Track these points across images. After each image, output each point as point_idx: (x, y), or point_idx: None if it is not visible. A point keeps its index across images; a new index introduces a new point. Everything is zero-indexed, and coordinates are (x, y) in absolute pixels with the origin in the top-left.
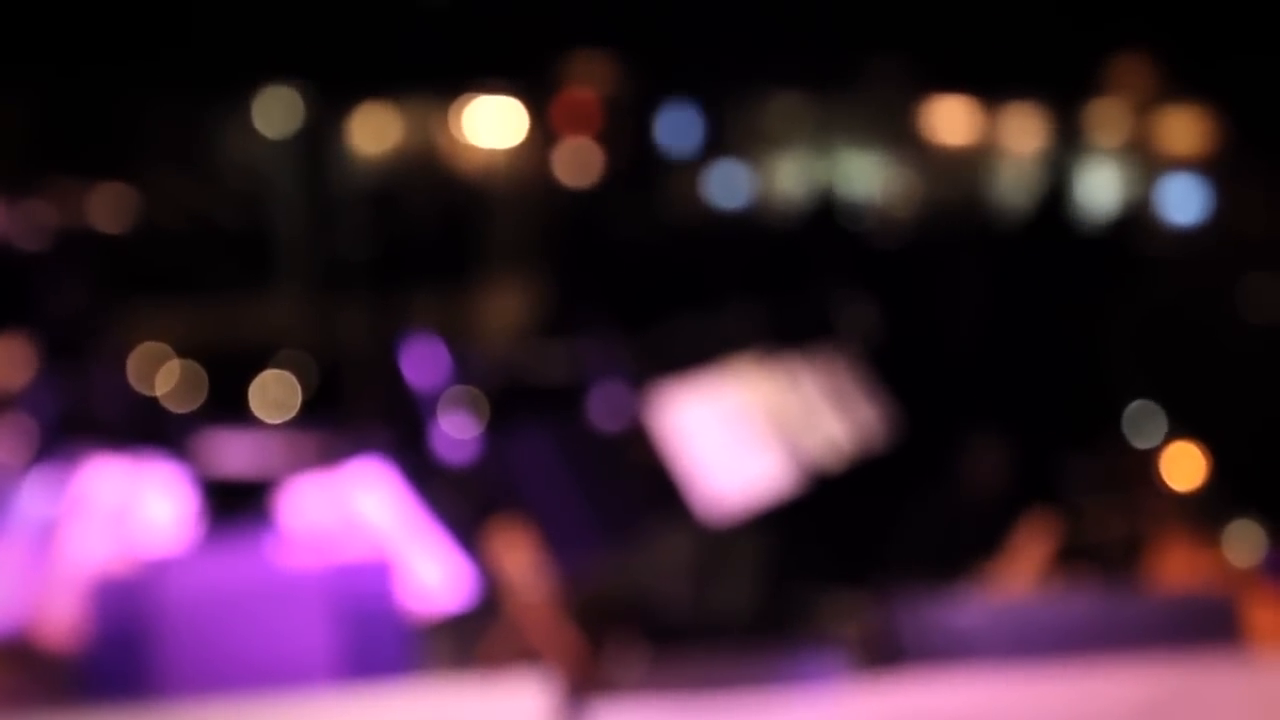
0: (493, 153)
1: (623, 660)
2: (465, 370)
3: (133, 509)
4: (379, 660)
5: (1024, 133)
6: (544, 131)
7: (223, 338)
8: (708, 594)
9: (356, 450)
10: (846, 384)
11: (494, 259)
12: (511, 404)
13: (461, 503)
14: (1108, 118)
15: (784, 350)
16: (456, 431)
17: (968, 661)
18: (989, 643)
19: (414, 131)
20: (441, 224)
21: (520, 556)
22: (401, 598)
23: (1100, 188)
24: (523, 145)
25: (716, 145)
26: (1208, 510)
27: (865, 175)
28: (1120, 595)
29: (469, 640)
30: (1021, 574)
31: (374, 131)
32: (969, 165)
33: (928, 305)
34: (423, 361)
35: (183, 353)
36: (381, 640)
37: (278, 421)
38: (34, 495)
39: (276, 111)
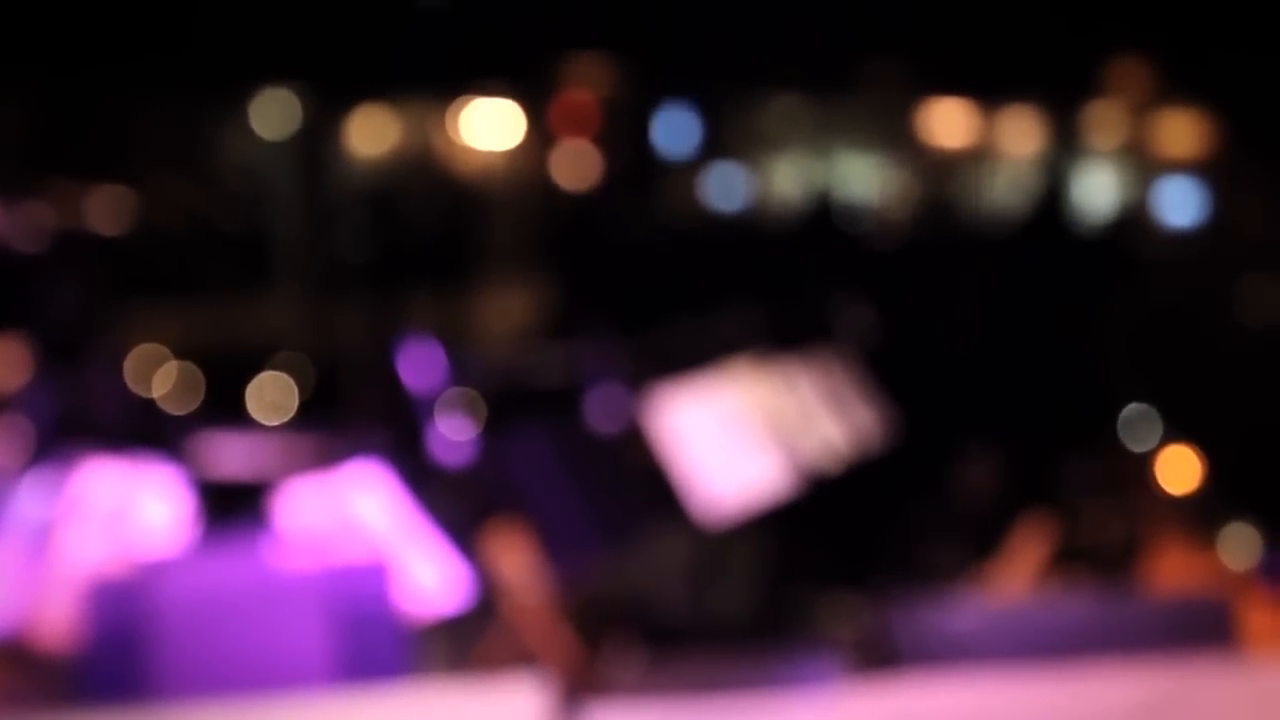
0: (490, 155)
1: (619, 662)
2: (463, 372)
3: (129, 511)
4: (375, 662)
5: (1021, 135)
6: (542, 133)
7: (220, 339)
8: (704, 596)
9: (354, 452)
10: (844, 387)
11: (492, 261)
12: (509, 406)
13: (458, 505)
14: (1105, 120)
15: (781, 353)
16: (454, 433)
17: (964, 664)
18: (985, 645)
19: (412, 133)
20: (439, 226)
21: (517, 559)
22: (398, 600)
23: (1097, 190)
24: (520, 147)
25: (714, 147)
26: (1203, 513)
27: (863, 177)
28: (1116, 598)
29: (465, 642)
30: (1018, 576)
31: (372, 133)
32: (966, 167)
33: (925, 307)
34: (420, 363)
35: (180, 354)
36: (378, 642)
37: (275, 423)
38: (31, 497)
39: (274, 113)
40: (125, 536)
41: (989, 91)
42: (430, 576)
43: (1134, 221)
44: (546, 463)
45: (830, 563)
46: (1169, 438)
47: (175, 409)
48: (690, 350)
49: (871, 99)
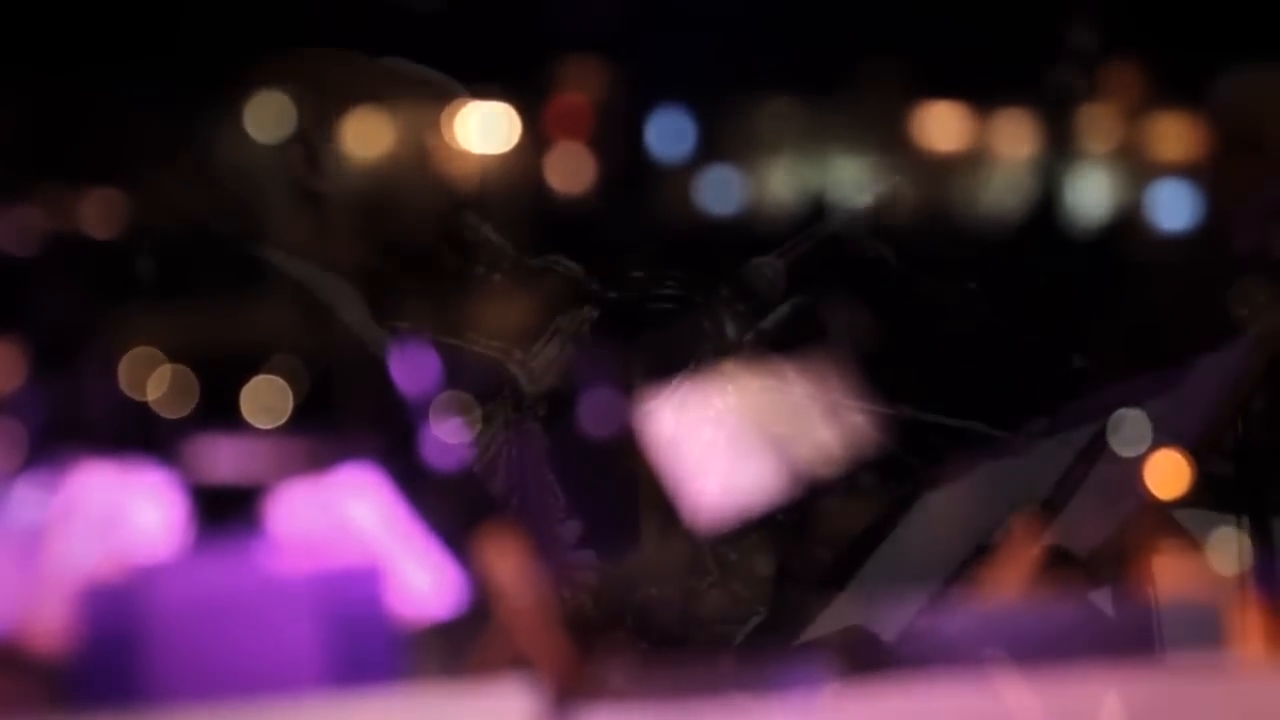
0: (484, 158)
1: (613, 667)
2: (457, 376)
3: (123, 514)
4: (369, 666)
5: (1015, 138)
6: (536, 137)
7: (214, 343)
8: (698, 601)
9: (348, 456)
10: (838, 391)
11: (485, 264)
12: (503, 409)
13: (452, 509)
14: (1098, 123)
15: (775, 356)
16: (448, 437)
17: (955, 667)
18: (976, 648)
19: (406, 136)
20: (433, 229)
21: (510, 563)
22: (391, 604)
23: (1090, 194)
24: (515, 150)
25: (709, 151)
26: (1194, 518)
27: (857, 181)
28: (1107, 602)
29: (459, 647)
30: (1009, 580)
31: (366, 136)
32: (960, 170)
33: (919, 311)
34: (414, 367)
35: (173, 358)
36: (371, 646)
37: (269, 427)
38: (23, 501)
39: (269, 115)
40: (118, 540)
41: (983, 94)
42: (423, 580)
43: (1128, 225)
44: (540, 466)
45: (823, 567)
46: (1159, 442)
47: (169, 412)
48: (684, 354)
49: (866, 102)
